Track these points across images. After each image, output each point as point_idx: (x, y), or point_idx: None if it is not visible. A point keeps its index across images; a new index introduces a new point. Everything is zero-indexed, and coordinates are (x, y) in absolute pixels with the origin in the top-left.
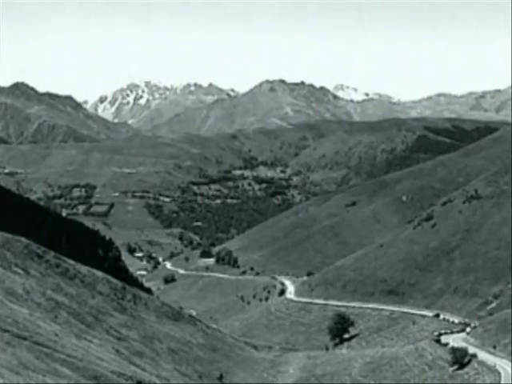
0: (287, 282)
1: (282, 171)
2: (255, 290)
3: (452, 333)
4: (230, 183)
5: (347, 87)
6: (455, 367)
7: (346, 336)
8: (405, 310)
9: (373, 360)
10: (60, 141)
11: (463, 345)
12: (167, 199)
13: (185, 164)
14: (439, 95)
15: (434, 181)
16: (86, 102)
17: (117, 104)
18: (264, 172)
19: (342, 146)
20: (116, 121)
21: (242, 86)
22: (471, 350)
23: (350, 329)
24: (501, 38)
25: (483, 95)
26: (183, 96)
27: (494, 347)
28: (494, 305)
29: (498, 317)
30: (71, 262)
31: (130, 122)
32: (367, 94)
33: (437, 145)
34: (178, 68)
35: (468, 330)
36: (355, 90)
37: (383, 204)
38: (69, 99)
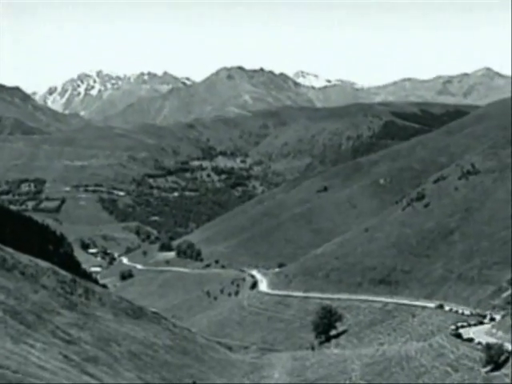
0: (258, 275)
1: (243, 161)
2: (222, 284)
3: (470, 325)
4: (188, 175)
5: (308, 74)
6: (489, 368)
7: (334, 333)
8: (400, 301)
9: (375, 360)
10: (7, 133)
11: (492, 340)
12: (122, 193)
13: (140, 155)
14: (405, 80)
15: (414, 162)
16: (34, 93)
17: (67, 95)
18: (223, 162)
19: (305, 134)
20: (66, 112)
21: (199, 74)
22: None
23: (338, 324)
24: (467, 22)
25: (450, 79)
26: (137, 85)
27: None
28: (510, 291)
29: None
30: (9, 250)
31: (81, 113)
32: (329, 81)
33: (405, 130)
34: (131, 57)
35: (486, 321)
36: (316, 76)
37: (359, 188)
38: (16, 90)
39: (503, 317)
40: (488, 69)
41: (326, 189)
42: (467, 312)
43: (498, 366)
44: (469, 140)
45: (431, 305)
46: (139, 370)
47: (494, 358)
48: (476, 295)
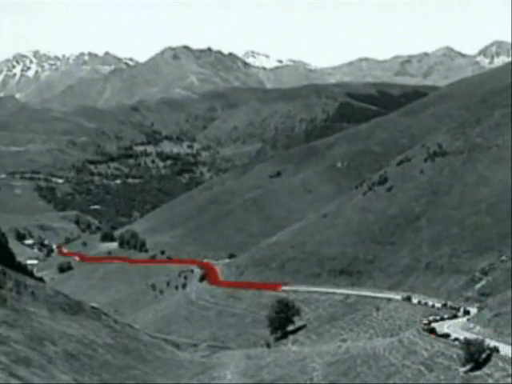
0: None
1: (189, 146)
2: (169, 277)
3: (443, 319)
4: (131, 161)
5: (258, 54)
6: (468, 367)
7: (291, 328)
8: (363, 293)
9: (338, 359)
10: None
11: (470, 335)
12: (60, 180)
13: (80, 140)
14: (361, 60)
15: (373, 144)
16: None
17: (1, 77)
18: (169, 147)
19: (255, 117)
20: (1, 95)
21: (142, 55)
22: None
23: (295, 319)
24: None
25: (409, 59)
26: (76, 66)
27: None
28: (484, 282)
29: None
30: None
31: (17, 96)
32: (280, 61)
33: (361, 112)
34: (70, 37)
35: (460, 314)
36: (267, 56)
37: (314, 173)
38: None
39: (480, 310)
40: (449, 48)
41: (278, 174)
42: (438, 304)
43: (478, 365)
44: (431, 121)
45: (397, 297)
46: (76, 371)
47: (474, 355)
48: (446, 286)
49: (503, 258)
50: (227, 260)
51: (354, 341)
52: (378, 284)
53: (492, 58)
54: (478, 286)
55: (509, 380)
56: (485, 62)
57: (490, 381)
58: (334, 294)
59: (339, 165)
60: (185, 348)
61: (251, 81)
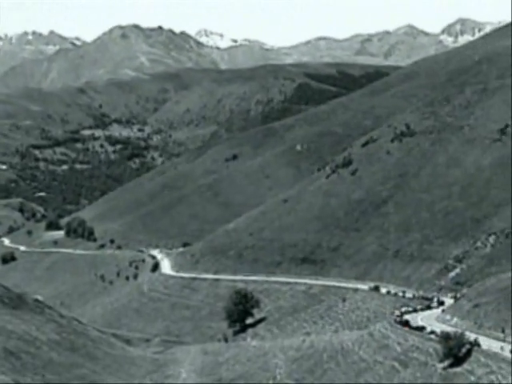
0: (159, 255)
1: (140, 130)
2: (119, 267)
3: (416, 311)
4: (79, 145)
5: (212, 33)
6: (447, 363)
7: (250, 321)
8: (327, 282)
9: (302, 354)
10: None
11: (447, 328)
12: (3, 166)
13: (24, 124)
14: (319, 39)
15: (335, 126)
16: None
17: None
18: (118, 131)
19: (209, 99)
20: None
21: (89, 34)
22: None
23: (255, 311)
24: None
25: (369, 38)
26: (19, 46)
27: (503, 330)
28: (458, 270)
29: (494, 284)
30: None
31: None
32: (235, 41)
33: (320, 93)
34: (13, 15)
35: (434, 304)
36: (221, 35)
37: (272, 156)
38: None
39: (456, 300)
40: (411, 26)
41: (235, 157)
42: (409, 294)
43: (458, 361)
44: (396, 100)
45: (364, 287)
46: (17, 371)
47: (454, 350)
48: (418, 274)
49: (478, 244)
50: (181, 249)
51: (318, 334)
52: (343, 273)
53: (456, 36)
54: (452, 274)
55: (493, 377)
56: (449, 40)
57: (472, 378)
58: (296, 283)
59: (299, 147)
60: (136, 344)
61: (204, 61)
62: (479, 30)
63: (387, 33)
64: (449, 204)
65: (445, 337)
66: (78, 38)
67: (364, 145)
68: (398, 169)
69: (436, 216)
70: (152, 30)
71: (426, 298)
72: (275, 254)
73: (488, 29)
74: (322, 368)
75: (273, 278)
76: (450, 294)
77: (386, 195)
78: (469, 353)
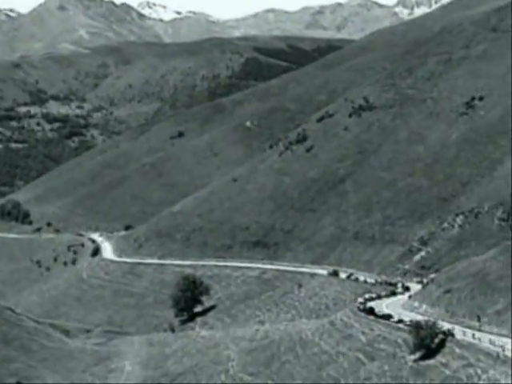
0: (100, 239)
1: (79, 107)
2: (56, 252)
3: (380, 297)
4: (14, 123)
5: (155, 4)
6: (418, 355)
7: (199, 309)
8: (282, 267)
9: (257, 345)
10: None
11: (417, 316)
12: None
13: None
14: (267, 11)
15: (286, 101)
16: None
17: None
18: (56, 108)
19: (152, 74)
20: None
21: (24, 5)
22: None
23: (204, 298)
24: None
25: (321, 11)
26: None
27: (478, 318)
28: (423, 253)
29: (466, 268)
30: None
31: None
32: (179, 13)
33: (270, 69)
34: None
35: (399, 290)
36: (164, 7)
37: (220, 133)
38: None
39: (425, 285)
40: None
41: (180, 134)
42: (371, 280)
43: (430, 352)
44: (351, 74)
45: (322, 271)
46: None
47: (425, 341)
48: (379, 258)
49: (445, 225)
50: (123, 232)
51: (273, 323)
52: (298, 257)
53: (412, 8)
54: (417, 257)
55: (470, 371)
56: (404, 12)
57: (447, 372)
58: (248, 269)
59: (249, 124)
60: (76, 335)
61: (147, 34)
62: (436, 2)
63: (339, 5)
64: (412, 182)
65: (415, 326)
66: (12, 10)
67: (319, 120)
68: (356, 145)
69: (398, 195)
70: (91, 1)
71: (390, 284)
72: (225, 237)
73: (445, 0)
74: (280, 360)
75: (223, 263)
76: (415, 279)
77: (344, 173)
78: (442, 344)
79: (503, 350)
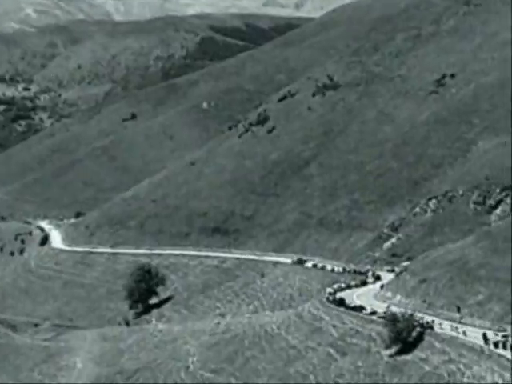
0: (48, 227)
1: (26, 88)
2: (2, 241)
3: (349, 287)
4: None
5: None
6: (395, 349)
7: (155, 301)
8: (243, 255)
9: (218, 339)
10: None
11: (391, 308)
12: None
13: None
14: None
15: (244, 81)
16: None
17: None
18: (1, 90)
19: (103, 54)
20: None
21: None
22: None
23: (160, 289)
24: None
25: None
26: None
27: (458, 309)
28: (394, 240)
29: (443, 256)
30: None
31: None
32: None
33: (226, 48)
34: None
35: (370, 280)
36: None
37: (175, 115)
38: None
39: (398, 274)
40: None
41: (133, 116)
42: (339, 268)
43: (407, 347)
44: (313, 52)
45: (286, 260)
46: None
47: (402, 334)
48: (347, 245)
49: (416, 210)
50: (73, 219)
51: (235, 316)
52: (260, 245)
53: None
54: (387, 244)
55: (452, 367)
56: None
57: (427, 367)
58: (207, 257)
59: (205, 105)
60: (23, 329)
61: (97, 12)
62: None
63: None
64: (381, 165)
65: (391, 318)
66: None
67: (281, 100)
68: (321, 126)
69: (366, 178)
70: None
71: (360, 273)
72: (182, 224)
73: None
74: (244, 356)
75: (180, 251)
76: (386, 268)
77: (308, 156)
78: (420, 337)
79: (487, 345)
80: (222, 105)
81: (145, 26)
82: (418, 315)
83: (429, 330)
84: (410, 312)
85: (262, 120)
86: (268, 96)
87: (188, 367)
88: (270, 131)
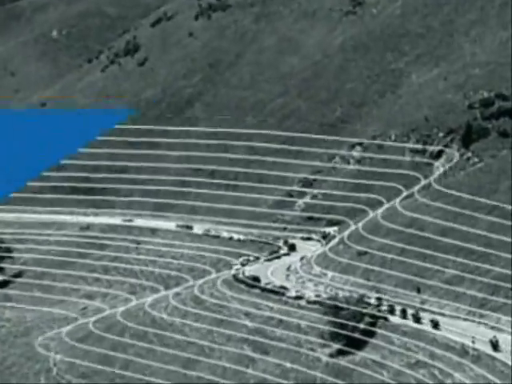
0: None
1: None
2: None
3: (258, 259)
4: None
5: None
6: (336, 347)
7: None
8: (112, 220)
9: (88, 332)
10: None
11: (328, 290)
12: None
13: None
14: None
15: (103, 4)
16: None
17: None
18: None
19: None
20: None
21: None
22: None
23: (6, 264)
24: None
25: None
26: None
27: (418, 290)
28: (308, 199)
29: (387, 217)
30: None
31: None
32: None
33: None
34: None
35: (284, 250)
36: None
37: (18, 46)
38: None
39: (326, 244)
40: None
41: None
42: (238, 236)
43: (355, 344)
44: None
45: (168, 224)
46: None
47: (347, 326)
48: (246, 205)
49: (336, 160)
50: None
51: (107, 298)
52: (133, 205)
53: None
54: (300, 204)
55: (423, 373)
56: None
57: (385, 374)
58: (65, 222)
59: (55, 34)
60: None
61: None
62: None
63: None
64: (285, 104)
65: (329, 305)
66: None
67: (154, 24)
68: (206, 56)
69: (267, 121)
70: None
71: (266, 242)
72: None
73: None
74: (126, 353)
75: (28, 215)
76: (301, 235)
77: (191, 93)
78: (371, 331)
79: (473, 342)
80: (76, 33)
81: None
82: (366, 299)
83: (382, 321)
84: (355, 295)
85: (132, 50)
86: (135, 20)
87: (49, 370)
88: (141, 63)
